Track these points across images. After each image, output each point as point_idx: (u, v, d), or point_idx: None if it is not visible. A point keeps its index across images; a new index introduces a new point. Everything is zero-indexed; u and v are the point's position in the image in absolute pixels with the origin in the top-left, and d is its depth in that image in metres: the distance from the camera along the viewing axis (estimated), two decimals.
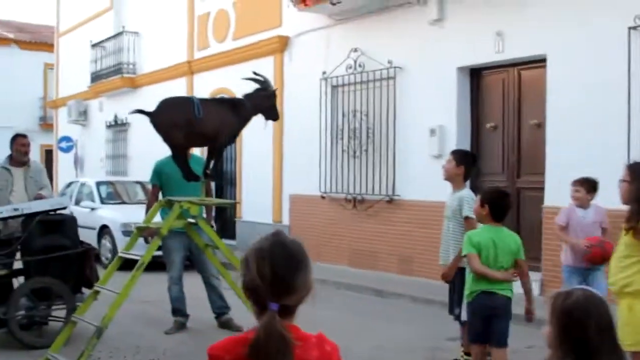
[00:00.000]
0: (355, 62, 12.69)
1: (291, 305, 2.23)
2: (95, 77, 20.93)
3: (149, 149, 18.64)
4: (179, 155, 7.22)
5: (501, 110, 11.18)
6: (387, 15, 12.33)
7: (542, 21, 10.21)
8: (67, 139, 22.23)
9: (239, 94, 15.62)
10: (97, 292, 6.76)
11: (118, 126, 20.31)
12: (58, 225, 7.99)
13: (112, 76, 20.00)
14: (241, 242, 15.28)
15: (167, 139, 7.13)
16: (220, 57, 16.06)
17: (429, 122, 11.57)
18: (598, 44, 9.50)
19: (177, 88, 17.35)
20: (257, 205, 14.98)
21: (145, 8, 19.33)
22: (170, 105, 7.28)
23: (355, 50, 12.71)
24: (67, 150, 21.94)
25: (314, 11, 13.27)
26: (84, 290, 8.07)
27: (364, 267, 12.70)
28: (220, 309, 8.45)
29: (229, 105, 7.46)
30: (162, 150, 17.98)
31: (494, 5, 10.87)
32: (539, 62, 10.41)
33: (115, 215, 13.70)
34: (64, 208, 8.24)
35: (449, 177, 7.06)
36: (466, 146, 11.44)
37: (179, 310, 8.39)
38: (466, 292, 5.84)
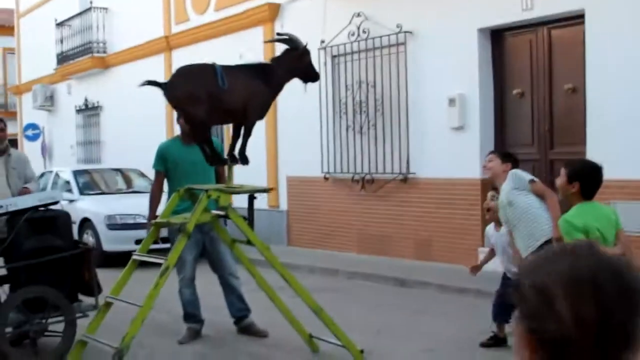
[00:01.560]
0: (358, 28, 11.34)
1: None
2: (62, 58, 19.11)
3: (124, 134, 17.23)
4: (201, 134, 5.79)
5: (529, 75, 9.96)
6: None
7: None
8: (33, 126, 20.42)
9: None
10: (109, 305, 5.45)
11: (89, 110, 18.63)
12: (49, 223, 6.57)
13: (80, 56, 18.23)
14: (232, 230, 13.96)
15: (186, 115, 5.74)
16: (202, 30, 14.49)
17: (447, 91, 10.29)
18: None
19: (154, 66, 15.88)
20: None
21: None
22: (187, 75, 5.83)
23: (359, 15, 11.38)
24: (33, 138, 20.11)
25: None
26: (81, 297, 6.77)
27: (374, 254, 11.42)
28: (240, 312, 7.14)
29: (256, 72, 6.00)
30: (140, 134, 16.66)
31: None
32: (575, 18, 9.24)
33: (98, 207, 12.21)
34: (56, 203, 6.80)
35: (494, 175, 6.28)
36: (490, 116, 10.29)
37: (192, 315, 7.06)
38: None
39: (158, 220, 5.78)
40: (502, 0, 9.72)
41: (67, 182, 13.35)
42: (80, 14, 18.40)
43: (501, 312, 6.38)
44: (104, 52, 17.79)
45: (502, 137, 10.26)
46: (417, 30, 10.74)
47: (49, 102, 20.02)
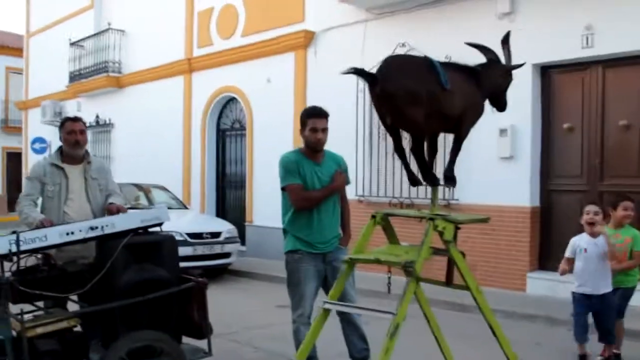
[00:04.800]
0: None
1: None
2: (74, 76, 16.50)
3: (136, 151, 14.77)
4: (417, 144, 3.58)
5: (580, 110, 8.38)
6: (444, 8, 9.27)
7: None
8: (40, 140, 17.61)
9: (248, 92, 12.32)
10: None
11: (100, 127, 16.11)
12: (152, 250, 4.46)
13: (94, 75, 15.70)
14: (251, 248, 11.86)
15: (402, 119, 3.48)
16: (227, 54, 12.38)
17: (498, 122, 8.63)
18: None
19: (173, 87, 13.69)
20: (271, 209, 11.55)
21: (132, 5, 15.18)
22: (405, 68, 3.56)
23: (403, 45, 9.60)
24: (41, 151, 17.23)
25: (351, 4, 10.08)
26: (186, 339, 4.66)
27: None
28: (361, 353, 5.10)
29: (470, 74, 3.86)
30: (153, 152, 14.31)
31: None
32: (635, 58, 7.74)
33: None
34: (160, 224, 4.69)
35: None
36: (538, 148, 8.67)
37: (308, 357, 5.00)
38: None
39: (357, 256, 3.74)
40: (562, 37, 8.13)
41: None
42: (95, 34, 15.86)
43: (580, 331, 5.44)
44: (119, 72, 15.37)
45: (549, 168, 8.64)
46: (466, 61, 8.99)
47: (58, 117, 17.31)
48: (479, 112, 3.82)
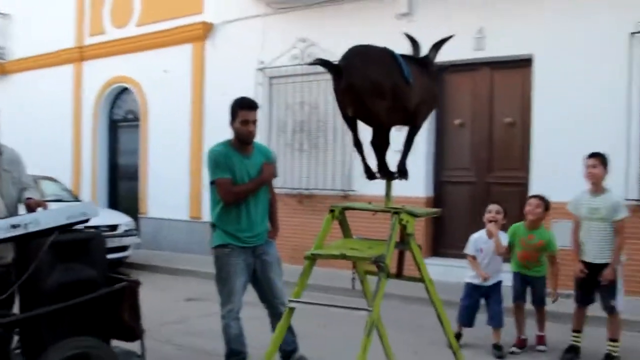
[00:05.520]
0: (303, 52, 9.47)
1: None
2: None
3: (20, 141, 13.50)
4: (379, 138, 3.44)
5: (470, 108, 8.73)
6: (344, 6, 9.23)
7: (528, 19, 7.95)
8: None
9: (143, 83, 11.71)
10: None
11: None
12: (80, 248, 4.07)
13: None
14: (146, 241, 11.30)
15: (366, 111, 3.28)
16: (121, 43, 11.64)
17: None
18: (595, 47, 7.47)
19: (62, 75, 12.74)
20: (167, 200, 11.12)
21: None
22: (369, 59, 3.33)
23: (304, 40, 9.49)
24: None
25: None
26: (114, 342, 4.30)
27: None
28: (290, 345, 4.94)
29: (422, 66, 3.65)
30: (39, 142, 13.29)
31: (473, 1, 8.40)
32: (521, 61, 8.15)
33: None
34: (86, 221, 4.26)
35: (597, 181, 5.26)
36: (433, 141, 8.92)
37: (238, 352, 4.72)
38: None
39: (320, 251, 3.56)
40: (455, 39, 8.25)
41: None
42: None
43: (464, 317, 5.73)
44: (3, 58, 14.00)
45: (442, 161, 8.92)
46: None
47: None
48: (434, 104, 3.77)
